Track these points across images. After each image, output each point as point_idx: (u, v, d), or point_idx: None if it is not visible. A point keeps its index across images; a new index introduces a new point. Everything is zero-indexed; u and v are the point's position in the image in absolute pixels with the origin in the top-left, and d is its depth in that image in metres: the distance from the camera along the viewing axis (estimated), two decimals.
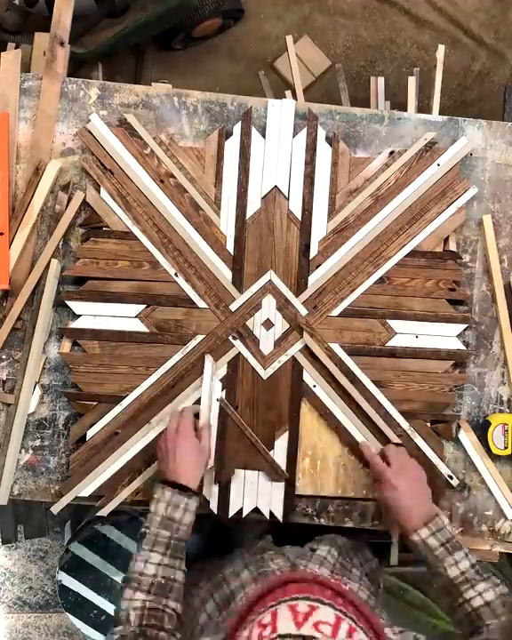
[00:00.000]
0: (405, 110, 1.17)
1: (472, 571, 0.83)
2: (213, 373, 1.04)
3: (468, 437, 1.08)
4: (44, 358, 1.06)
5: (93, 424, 1.05)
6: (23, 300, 1.04)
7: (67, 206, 1.05)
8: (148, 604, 0.77)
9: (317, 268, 1.07)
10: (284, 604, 0.57)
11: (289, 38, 1.26)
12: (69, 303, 1.05)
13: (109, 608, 1.30)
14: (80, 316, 1.05)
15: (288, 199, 1.07)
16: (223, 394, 1.05)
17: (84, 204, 1.06)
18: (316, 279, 1.07)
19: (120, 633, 0.74)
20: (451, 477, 1.07)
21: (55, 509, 1.04)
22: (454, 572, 0.83)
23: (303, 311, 1.06)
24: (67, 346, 1.06)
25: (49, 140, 1.07)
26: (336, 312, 1.07)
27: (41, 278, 1.05)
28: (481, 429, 1.09)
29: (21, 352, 1.05)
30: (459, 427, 1.09)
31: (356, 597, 0.62)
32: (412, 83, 1.21)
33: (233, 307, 1.06)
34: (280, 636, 0.53)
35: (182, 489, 0.86)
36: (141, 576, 0.80)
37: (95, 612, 1.31)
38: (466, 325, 1.08)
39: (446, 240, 1.09)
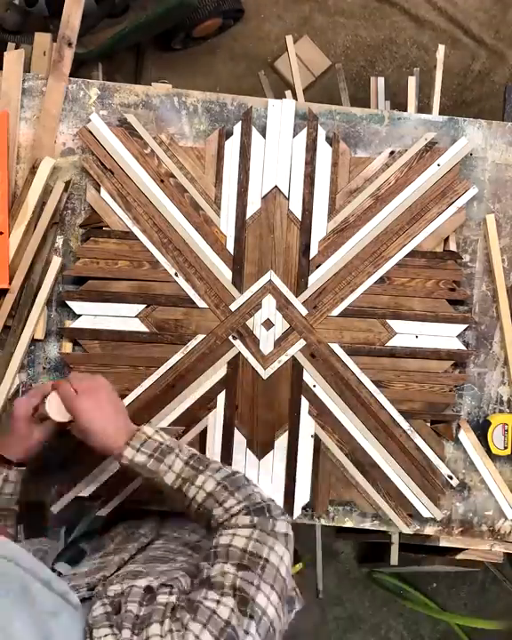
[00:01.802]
0: (405, 110, 1.17)
1: (187, 468, 0.78)
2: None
3: (467, 437, 1.08)
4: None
5: None
6: (12, 298, 1.02)
7: (59, 201, 1.04)
8: None
9: (317, 267, 1.07)
10: None
11: (289, 38, 1.26)
12: (69, 303, 1.05)
13: None
14: (80, 315, 1.05)
15: (288, 199, 1.07)
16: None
17: (85, 204, 1.06)
18: (316, 279, 1.07)
19: None
20: (451, 477, 1.07)
21: (55, 509, 1.04)
22: (171, 477, 0.78)
23: (303, 311, 1.06)
24: (67, 346, 1.06)
25: (52, 139, 1.07)
26: (336, 312, 1.07)
27: (31, 272, 1.03)
28: (481, 429, 1.09)
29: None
30: (459, 427, 1.09)
31: None
32: (412, 83, 1.21)
33: (233, 307, 1.06)
34: None
35: (2, 460, 0.88)
36: None
37: None
38: (466, 325, 1.08)
39: (446, 240, 1.09)
